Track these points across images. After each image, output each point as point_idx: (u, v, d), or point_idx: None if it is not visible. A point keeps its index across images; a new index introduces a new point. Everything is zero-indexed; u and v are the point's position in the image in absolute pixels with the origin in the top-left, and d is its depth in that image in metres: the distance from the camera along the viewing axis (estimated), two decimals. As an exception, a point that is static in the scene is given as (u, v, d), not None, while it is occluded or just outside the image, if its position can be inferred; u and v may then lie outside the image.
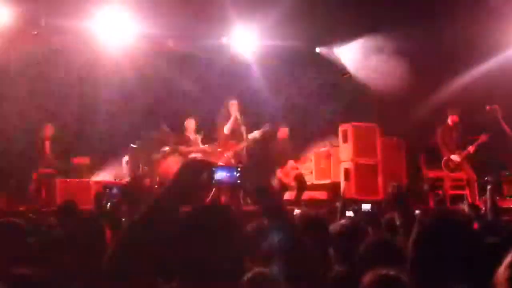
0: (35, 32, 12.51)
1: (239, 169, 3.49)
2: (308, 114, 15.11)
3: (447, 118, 12.40)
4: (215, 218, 3.19)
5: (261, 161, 12.48)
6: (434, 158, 12.48)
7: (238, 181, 3.47)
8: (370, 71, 14.61)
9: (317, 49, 15.44)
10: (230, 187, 10.93)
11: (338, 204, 7.36)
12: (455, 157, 12.09)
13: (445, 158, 12.20)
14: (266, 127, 12.28)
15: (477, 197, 11.58)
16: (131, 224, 3.18)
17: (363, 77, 14.93)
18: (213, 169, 3.26)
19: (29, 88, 12.88)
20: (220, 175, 3.32)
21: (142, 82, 13.76)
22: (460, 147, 12.18)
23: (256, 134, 12.05)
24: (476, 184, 11.96)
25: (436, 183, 12.19)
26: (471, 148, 12.03)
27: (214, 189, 11.03)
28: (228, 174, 3.38)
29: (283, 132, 12.75)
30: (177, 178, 3.13)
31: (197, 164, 3.33)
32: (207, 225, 3.16)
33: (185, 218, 3.19)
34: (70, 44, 13.18)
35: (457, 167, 12.11)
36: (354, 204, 8.81)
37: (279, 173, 12.17)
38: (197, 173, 3.15)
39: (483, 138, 11.98)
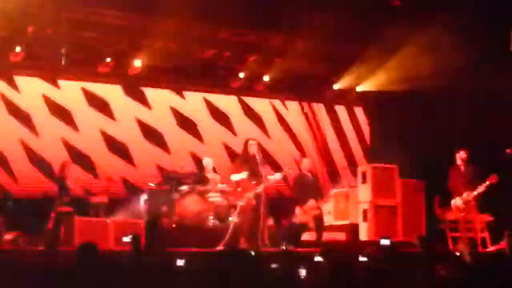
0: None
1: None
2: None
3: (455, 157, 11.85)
4: (236, 262, 3.16)
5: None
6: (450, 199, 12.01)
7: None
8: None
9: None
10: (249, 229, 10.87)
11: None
12: (458, 201, 11.57)
13: (452, 200, 11.68)
14: (287, 169, 12.10)
15: (489, 241, 11.33)
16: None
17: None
18: None
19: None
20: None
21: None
22: (470, 187, 11.52)
23: (277, 175, 11.73)
24: (484, 227, 11.48)
25: (453, 225, 11.77)
26: (480, 189, 11.36)
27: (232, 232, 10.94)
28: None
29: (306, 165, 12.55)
30: None
31: None
32: (230, 268, 3.13)
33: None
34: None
35: (465, 209, 11.51)
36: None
37: (298, 211, 11.91)
38: None
39: (492, 179, 11.18)
